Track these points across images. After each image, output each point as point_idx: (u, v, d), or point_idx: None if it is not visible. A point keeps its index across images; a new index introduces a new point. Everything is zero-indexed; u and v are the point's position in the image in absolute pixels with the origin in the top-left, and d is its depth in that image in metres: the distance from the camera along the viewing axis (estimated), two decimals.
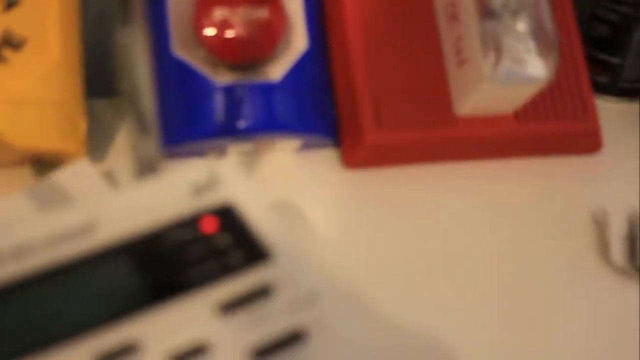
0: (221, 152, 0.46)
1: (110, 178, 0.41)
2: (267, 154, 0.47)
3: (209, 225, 0.31)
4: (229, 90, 0.44)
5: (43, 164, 0.43)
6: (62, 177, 0.42)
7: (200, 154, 0.45)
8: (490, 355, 0.38)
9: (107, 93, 0.44)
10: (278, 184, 0.45)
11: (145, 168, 0.35)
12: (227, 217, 0.31)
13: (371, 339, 0.30)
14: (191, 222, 0.31)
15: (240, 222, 0.31)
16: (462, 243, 0.44)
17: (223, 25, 0.45)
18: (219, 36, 0.45)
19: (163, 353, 0.27)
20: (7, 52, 0.40)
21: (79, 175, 0.41)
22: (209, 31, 0.44)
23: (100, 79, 0.42)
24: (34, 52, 0.41)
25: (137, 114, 0.38)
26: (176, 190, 0.32)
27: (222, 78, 0.44)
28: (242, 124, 0.44)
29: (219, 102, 0.44)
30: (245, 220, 0.31)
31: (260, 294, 0.30)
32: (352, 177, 0.46)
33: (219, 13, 0.45)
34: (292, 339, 0.29)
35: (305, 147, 0.47)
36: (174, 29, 0.45)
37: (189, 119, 0.44)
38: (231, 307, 0.29)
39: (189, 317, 0.28)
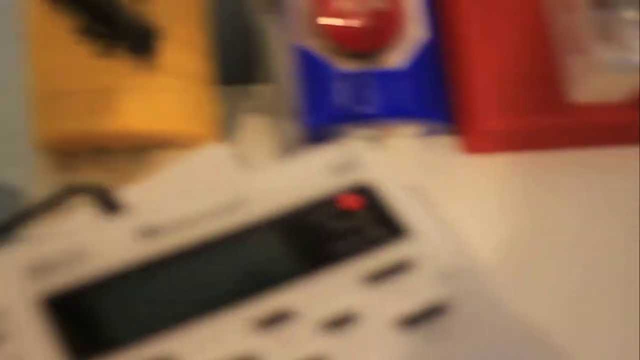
0: (344, 137, 0.48)
1: (243, 160, 0.43)
2: (389, 140, 0.48)
3: (350, 203, 0.33)
4: (353, 77, 0.46)
5: (179, 147, 0.45)
6: (198, 159, 0.44)
7: (326, 139, 0.47)
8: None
9: (246, 80, 0.47)
10: (400, 168, 0.46)
11: (286, 150, 0.37)
12: (367, 195, 0.33)
13: (505, 317, 0.31)
14: (332, 200, 0.33)
15: (379, 200, 0.33)
16: (579, 229, 0.44)
17: (345, 15, 0.46)
18: (341, 25, 0.46)
19: (315, 320, 0.29)
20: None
21: (213, 158, 0.44)
22: (332, 20, 0.46)
23: (239, 66, 0.45)
24: (172, 41, 0.43)
25: (277, 99, 0.40)
26: (316, 170, 0.34)
27: (343, 65, 0.46)
28: (367, 109, 0.46)
29: (344, 89, 0.45)
30: (384, 198, 0.33)
31: (402, 267, 0.31)
32: (472, 162, 0.47)
33: (340, 3, 0.46)
34: (435, 311, 0.30)
35: (425, 133, 0.48)
36: (297, 19, 0.47)
37: (316, 105, 0.46)
38: (376, 278, 0.30)
39: (337, 288, 0.30)
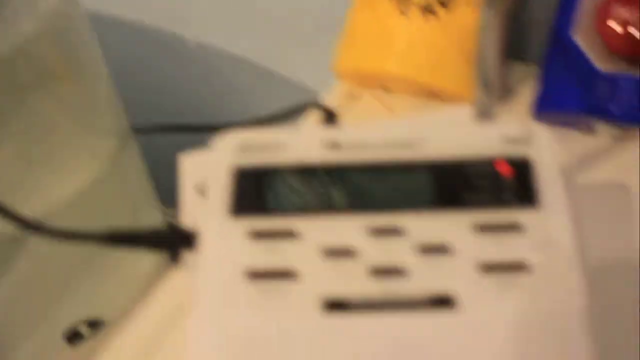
0: (591, 130, 0.51)
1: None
2: (631, 143, 0.50)
3: (503, 168, 0.38)
4: (612, 78, 0.49)
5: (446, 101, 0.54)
6: (441, 114, 0.52)
7: (572, 126, 0.51)
8: None
9: None
10: (631, 170, 0.48)
11: (482, 115, 0.43)
12: (520, 166, 0.38)
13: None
14: (490, 161, 0.38)
15: (529, 174, 0.38)
16: None
17: (624, 22, 0.49)
18: (619, 31, 0.49)
19: (418, 241, 0.36)
20: (438, 8, 0.52)
21: (456, 118, 0.51)
22: (613, 24, 0.50)
23: None
24: (454, 11, 0.52)
25: (482, 73, 0.46)
26: (492, 135, 0.39)
27: (604, 65, 0.49)
28: (615, 108, 0.49)
29: (600, 86, 0.49)
30: (534, 175, 0.37)
31: (512, 228, 0.36)
32: None
33: (622, 10, 0.49)
34: (517, 267, 0.34)
35: None
36: (579, 16, 0.51)
37: (567, 92, 0.50)
38: (485, 229, 0.36)
39: (450, 225, 0.36)
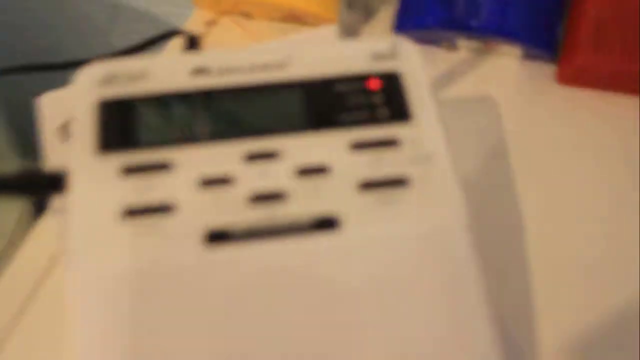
0: (452, 45, 0.51)
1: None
2: (491, 56, 0.51)
3: (373, 84, 0.37)
4: None
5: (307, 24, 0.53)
6: (304, 36, 0.51)
7: (434, 43, 0.50)
8: None
9: None
10: (493, 83, 0.49)
11: (347, 33, 0.42)
12: (390, 81, 0.37)
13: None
14: (360, 78, 0.37)
15: (399, 88, 0.37)
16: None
17: None
18: None
19: (296, 163, 0.34)
20: None
21: (321, 38, 0.50)
22: None
23: None
24: None
25: None
26: (359, 53, 0.38)
27: None
28: (474, 22, 0.49)
29: (459, 1, 0.49)
30: (404, 89, 0.37)
31: (388, 143, 0.35)
32: (561, 93, 0.48)
33: None
34: (396, 183, 0.34)
35: (526, 57, 0.50)
36: None
37: (426, 9, 0.50)
38: (360, 147, 0.35)
39: (326, 145, 0.35)
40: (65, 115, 0.45)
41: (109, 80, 0.36)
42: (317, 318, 0.30)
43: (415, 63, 0.38)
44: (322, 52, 0.38)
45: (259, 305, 0.30)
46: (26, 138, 0.55)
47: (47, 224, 0.40)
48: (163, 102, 0.36)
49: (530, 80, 0.49)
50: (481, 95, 0.48)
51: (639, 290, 0.38)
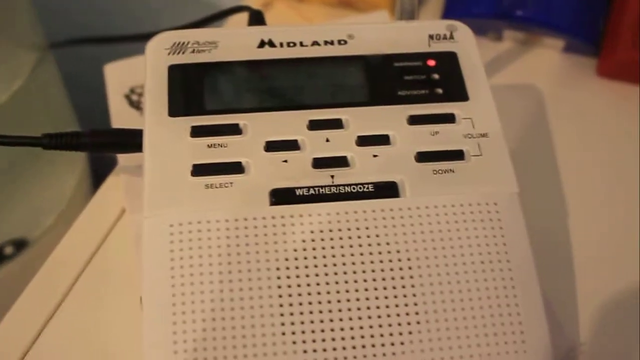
0: (498, 36, 0.52)
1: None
2: (535, 47, 0.51)
3: (432, 63, 0.38)
4: None
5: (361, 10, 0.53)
6: (359, 19, 0.51)
7: (481, 33, 0.51)
8: None
9: None
10: (536, 74, 0.49)
11: (405, 15, 0.43)
12: (448, 61, 0.38)
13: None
14: (420, 57, 0.38)
15: (456, 68, 0.38)
16: None
17: None
18: None
19: (357, 133, 0.35)
20: None
21: (377, 21, 0.51)
22: None
23: None
24: None
25: None
26: (419, 33, 0.39)
27: None
28: (520, 12, 0.49)
29: None
30: (461, 69, 0.38)
31: (447, 119, 0.36)
32: (602, 86, 0.49)
33: None
34: (454, 155, 0.35)
35: (569, 49, 0.51)
36: None
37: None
38: (421, 121, 0.36)
39: (387, 118, 0.36)
40: (131, 83, 0.46)
41: (179, 48, 0.37)
42: (375, 276, 0.31)
43: (471, 45, 0.39)
44: (383, 31, 0.39)
45: (321, 261, 0.31)
46: (91, 109, 0.56)
47: (115, 180, 0.41)
48: (232, 70, 0.37)
49: (572, 72, 0.50)
50: (524, 84, 0.48)
51: None
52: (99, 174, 0.45)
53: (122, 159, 0.41)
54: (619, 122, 0.46)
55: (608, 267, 0.37)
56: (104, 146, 0.37)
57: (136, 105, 0.44)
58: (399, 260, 0.31)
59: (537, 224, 0.34)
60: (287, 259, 0.32)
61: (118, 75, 0.46)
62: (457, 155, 0.35)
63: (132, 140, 0.36)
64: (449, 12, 0.51)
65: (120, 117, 0.44)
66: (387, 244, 0.32)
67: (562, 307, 0.35)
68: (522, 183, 0.34)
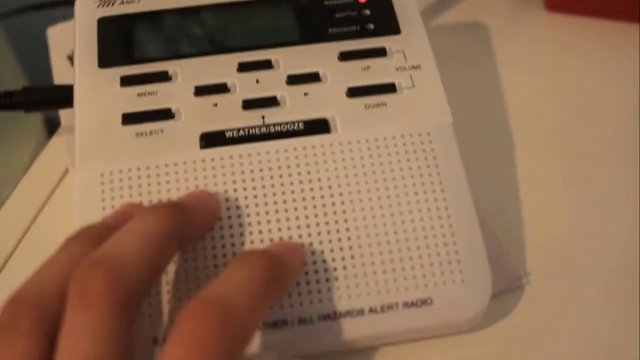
0: None
1: None
2: None
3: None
4: None
5: None
6: None
7: None
8: None
9: None
10: (483, 9, 0.48)
11: None
12: None
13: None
14: None
15: (386, 2, 0.37)
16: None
17: None
18: None
19: (287, 73, 0.34)
20: None
21: None
22: None
23: None
24: None
25: None
26: None
27: None
28: None
29: None
30: (391, 2, 0.37)
31: (377, 53, 0.35)
32: (548, 18, 0.48)
33: None
34: (386, 88, 0.34)
35: None
36: None
37: None
38: (352, 57, 0.35)
39: (317, 56, 0.35)
40: (72, 44, 0.45)
41: (108, 1, 0.36)
42: (308, 213, 0.31)
43: None
44: None
45: (253, 201, 0.30)
46: (37, 73, 0.55)
47: (58, 141, 0.40)
48: (160, 18, 0.36)
49: (519, 7, 0.49)
50: (471, 21, 0.47)
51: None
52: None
53: (65, 118, 0.40)
54: (568, 57, 0.45)
55: (556, 197, 0.36)
56: (39, 104, 0.36)
57: None
58: (332, 196, 0.31)
59: (485, 159, 0.33)
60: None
61: (61, 38, 0.45)
62: (389, 88, 0.34)
63: (65, 96, 0.35)
64: None
65: (64, 78, 0.43)
66: (319, 180, 0.31)
67: (509, 239, 0.34)
68: (468, 120, 0.33)
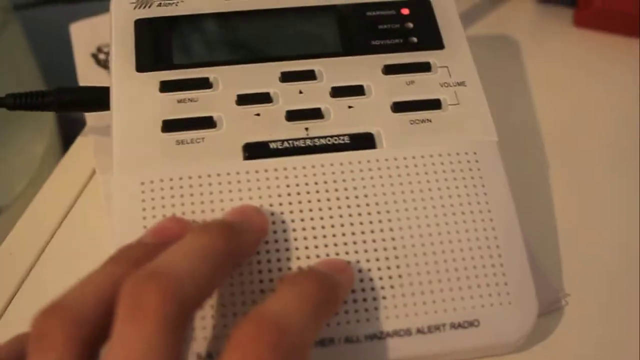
0: None
1: None
2: None
3: (407, 12, 0.36)
4: None
5: None
6: None
7: None
8: None
9: None
10: (512, 23, 0.48)
11: None
12: (421, 9, 0.36)
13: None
14: (394, 6, 0.37)
15: (431, 16, 0.36)
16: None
17: None
18: None
19: (331, 85, 0.34)
20: None
21: None
22: None
23: None
24: None
25: None
26: None
27: None
28: None
29: None
30: (435, 17, 0.36)
31: (420, 68, 0.34)
32: (577, 35, 0.47)
33: None
34: (430, 104, 0.33)
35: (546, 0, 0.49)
36: None
37: None
38: (396, 71, 0.34)
39: (361, 69, 0.34)
40: (98, 42, 0.44)
41: (145, 2, 0.35)
42: (354, 229, 0.31)
43: None
44: None
45: (297, 215, 0.30)
46: (58, 68, 0.54)
47: (84, 141, 0.39)
48: (200, 22, 0.35)
49: (548, 23, 0.48)
50: (500, 35, 0.47)
51: None
52: (68, 137, 0.43)
53: (91, 119, 0.39)
54: (596, 73, 0.45)
55: (592, 218, 0.36)
56: (71, 105, 0.35)
57: (103, 65, 0.42)
58: (378, 213, 0.30)
59: (518, 177, 0.32)
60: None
61: (84, 34, 0.44)
62: (434, 104, 0.33)
63: (99, 98, 0.35)
64: None
65: (88, 76, 0.42)
66: (365, 196, 0.30)
67: (546, 258, 0.33)
68: (500, 136, 0.32)
